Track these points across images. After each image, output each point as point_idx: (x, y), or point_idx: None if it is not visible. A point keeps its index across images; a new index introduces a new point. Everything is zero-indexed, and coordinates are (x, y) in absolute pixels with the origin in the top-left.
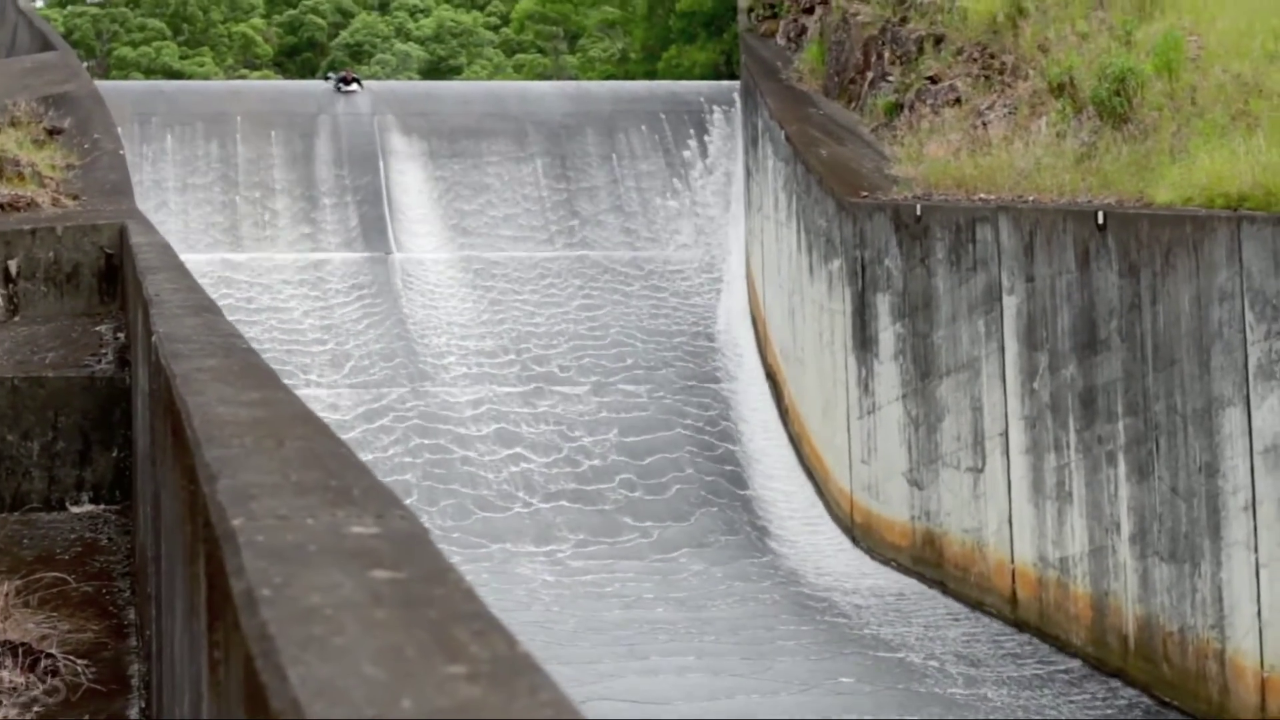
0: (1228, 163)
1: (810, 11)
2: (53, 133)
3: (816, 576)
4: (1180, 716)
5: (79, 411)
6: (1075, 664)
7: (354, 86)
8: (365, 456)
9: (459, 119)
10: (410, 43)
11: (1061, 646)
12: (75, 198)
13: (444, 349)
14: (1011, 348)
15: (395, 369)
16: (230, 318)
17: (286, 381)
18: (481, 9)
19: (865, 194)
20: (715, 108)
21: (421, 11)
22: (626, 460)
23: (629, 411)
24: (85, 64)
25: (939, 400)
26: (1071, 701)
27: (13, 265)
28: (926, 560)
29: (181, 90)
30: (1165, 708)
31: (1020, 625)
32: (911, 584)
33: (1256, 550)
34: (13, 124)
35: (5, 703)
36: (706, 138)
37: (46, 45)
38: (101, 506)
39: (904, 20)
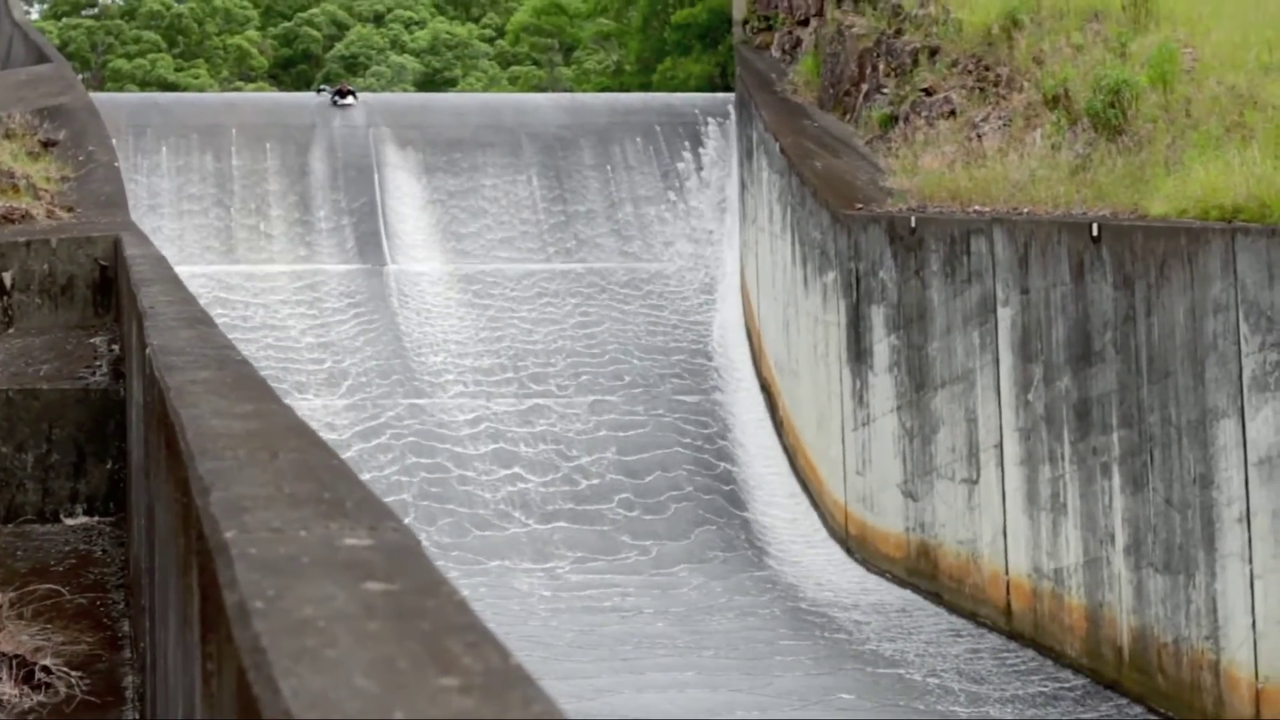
0: (1222, 175)
1: (805, 24)
2: (47, 145)
3: (811, 588)
4: None
5: (73, 424)
6: (1082, 680)
7: (350, 100)
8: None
9: (454, 131)
10: (405, 55)
11: (1056, 658)
12: (70, 210)
13: (439, 364)
14: (1006, 359)
15: (390, 381)
16: (224, 330)
17: (279, 393)
18: (476, 21)
19: (860, 206)
20: (710, 120)
21: (417, 24)
22: (621, 478)
23: (625, 430)
24: (80, 76)
25: (934, 412)
26: None
27: (7, 277)
28: (921, 572)
29: (176, 102)
30: (1159, 718)
31: (1015, 637)
32: (906, 595)
33: (1251, 562)
34: (7, 136)
35: (0, 714)
36: (701, 150)
37: (41, 57)
38: (96, 519)
39: (899, 32)
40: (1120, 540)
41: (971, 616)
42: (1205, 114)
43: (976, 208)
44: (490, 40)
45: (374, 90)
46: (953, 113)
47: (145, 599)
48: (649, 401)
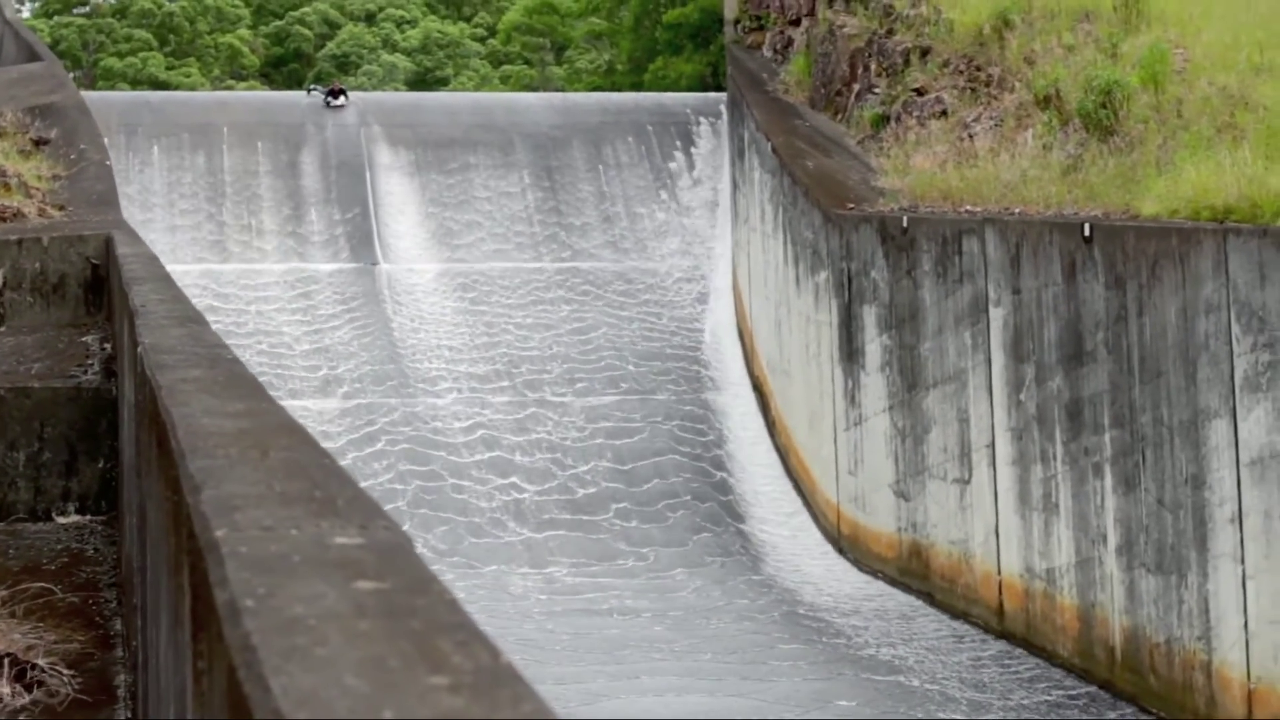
0: (1214, 175)
1: (797, 24)
2: (39, 143)
3: (802, 588)
4: None
5: (65, 422)
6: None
7: (342, 100)
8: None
9: (446, 130)
10: (397, 54)
11: (1048, 658)
12: (61, 208)
13: (430, 361)
14: (998, 359)
15: (382, 379)
16: (215, 329)
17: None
18: (468, 20)
19: (852, 206)
20: (702, 119)
21: (408, 23)
22: (614, 477)
23: (618, 437)
24: (71, 74)
25: (925, 412)
26: None
27: None
28: (913, 572)
29: (168, 101)
30: (1151, 718)
31: (1007, 636)
32: (898, 595)
33: (1243, 562)
34: None
35: None
36: (693, 149)
37: (33, 56)
38: (88, 517)
39: (890, 32)
40: (1112, 540)
41: (963, 616)
42: (1196, 114)
43: (968, 208)
44: (482, 39)
45: (365, 89)
46: (944, 113)
47: (137, 597)
48: (640, 402)
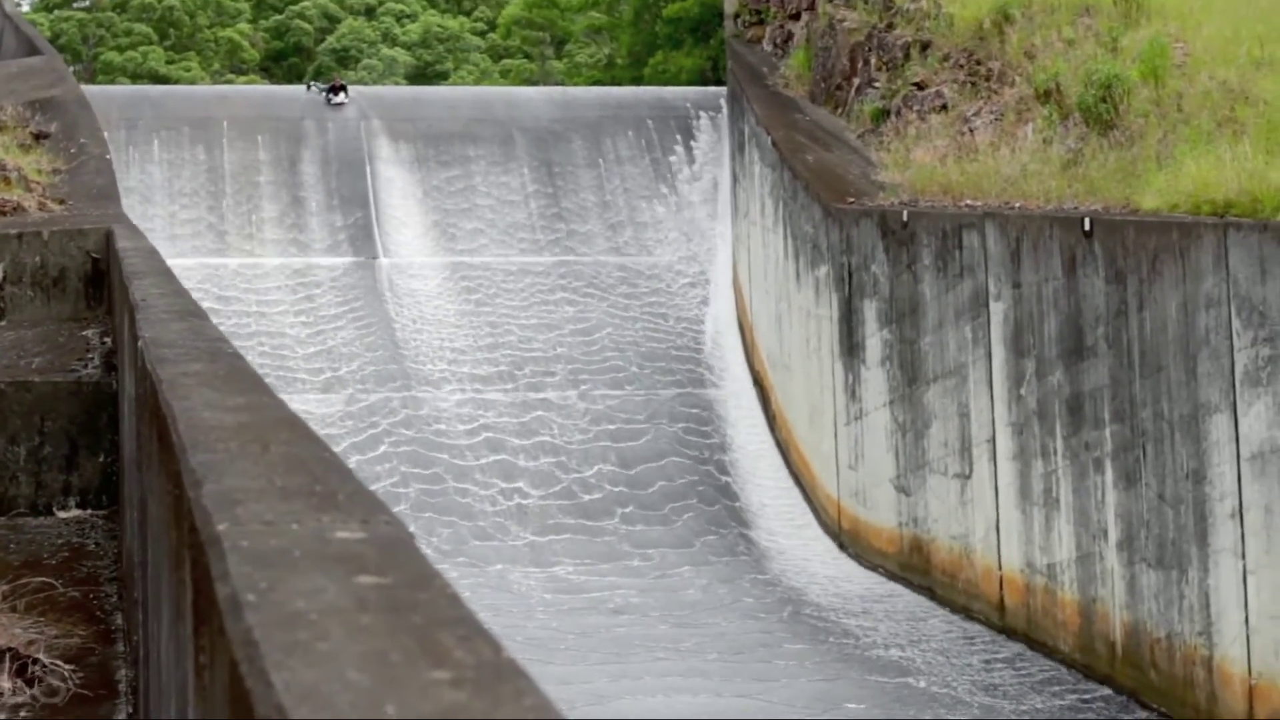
0: (1214, 169)
1: (797, 17)
2: (39, 137)
3: (802, 582)
4: None
5: (65, 416)
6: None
7: (342, 96)
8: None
9: (446, 124)
10: (397, 48)
11: (1049, 653)
12: (61, 202)
13: (431, 354)
14: (998, 354)
15: (381, 371)
16: (215, 322)
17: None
18: (468, 14)
19: (852, 200)
20: (702, 113)
21: (408, 17)
22: (614, 471)
23: (620, 440)
24: (71, 68)
25: (926, 406)
26: None
27: None
28: (914, 566)
29: (168, 95)
30: (1152, 714)
31: (1008, 632)
32: (899, 590)
33: (1244, 557)
34: None
35: None
36: (693, 143)
37: (33, 50)
38: (88, 511)
39: (890, 26)
40: (1113, 535)
41: (964, 611)
42: (1197, 109)
43: (968, 202)
44: (482, 34)
45: (365, 83)
46: (944, 107)
47: (138, 592)
48: (640, 396)
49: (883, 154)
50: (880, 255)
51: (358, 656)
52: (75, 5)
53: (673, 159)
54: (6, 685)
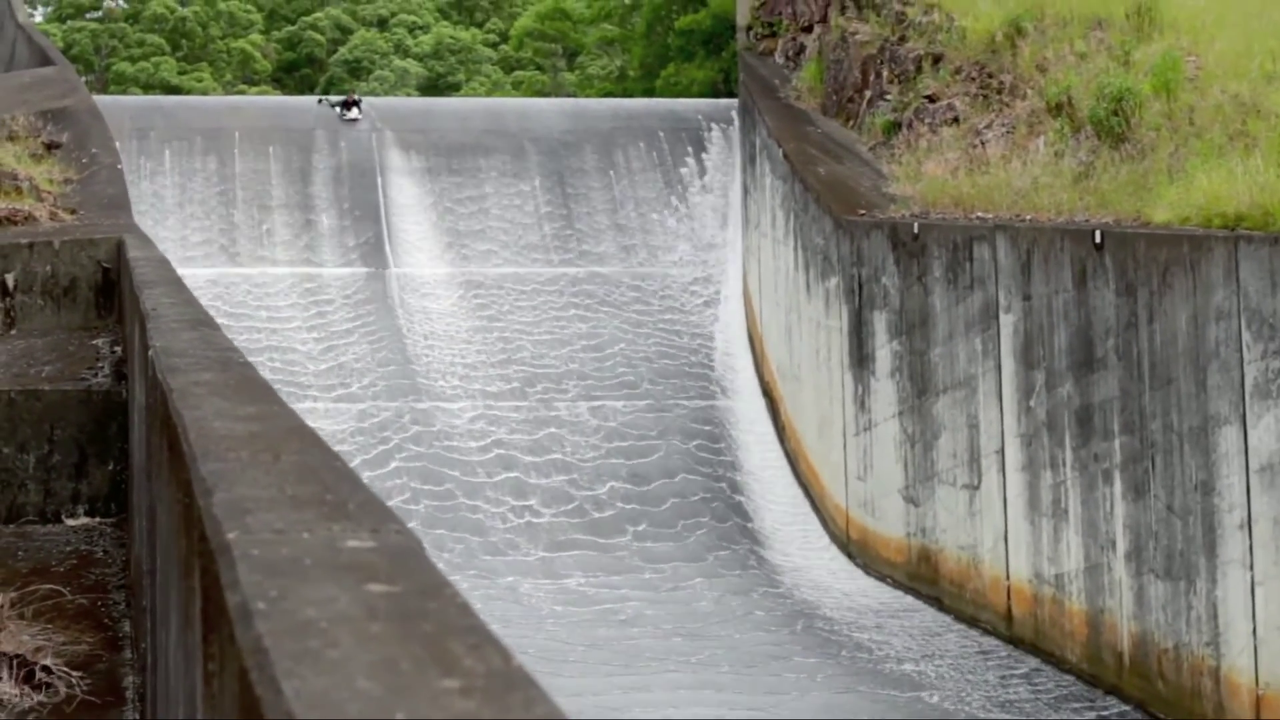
0: (1225, 183)
1: (809, 30)
2: (51, 147)
3: (810, 593)
4: None
5: (75, 425)
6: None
7: (355, 112)
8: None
9: (457, 136)
10: (409, 59)
11: (1057, 663)
12: (73, 212)
13: (441, 365)
14: (1008, 366)
15: (391, 382)
16: (226, 333)
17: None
18: (480, 26)
19: (863, 212)
20: (713, 126)
21: (420, 28)
22: (620, 470)
23: (630, 453)
24: (84, 79)
25: (935, 417)
26: None
27: (10, 279)
28: (922, 576)
29: (180, 105)
30: None
31: (1015, 642)
32: (907, 600)
33: (1252, 568)
34: (11, 138)
35: (1, 714)
36: (704, 155)
37: (45, 60)
38: (97, 519)
39: (902, 39)
40: (1121, 546)
41: (972, 621)
42: (1208, 122)
43: (979, 214)
44: (494, 45)
45: (377, 95)
46: (956, 119)
47: (146, 600)
48: (651, 407)
49: (894, 166)
50: (891, 267)
51: (368, 665)
52: (88, 16)
53: (684, 171)
54: (14, 691)
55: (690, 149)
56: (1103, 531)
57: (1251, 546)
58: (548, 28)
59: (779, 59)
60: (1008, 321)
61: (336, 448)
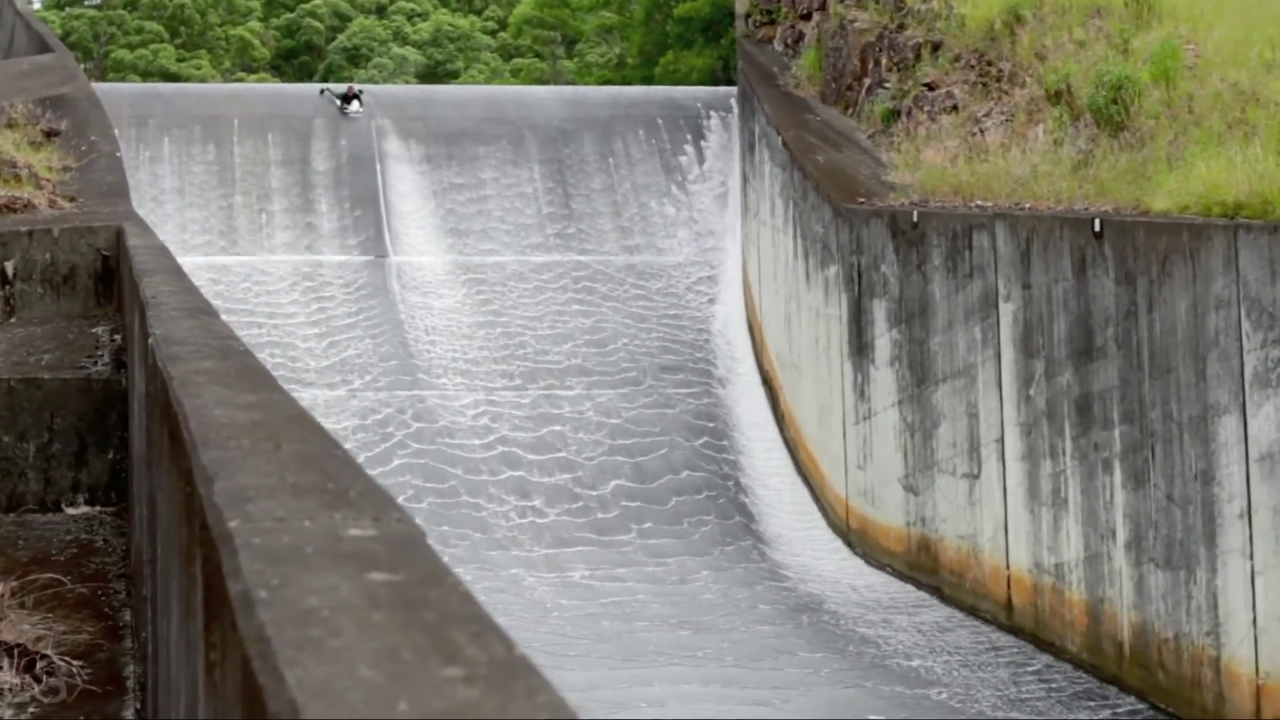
0: (1224, 171)
1: (808, 18)
2: (50, 134)
3: (811, 582)
4: None
5: (75, 413)
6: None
7: (356, 105)
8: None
9: (456, 123)
10: (407, 47)
11: (1057, 653)
12: (72, 199)
13: (440, 352)
14: (1008, 354)
15: (390, 371)
16: (225, 320)
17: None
18: (479, 13)
19: (862, 200)
20: (712, 113)
21: (419, 15)
22: (619, 463)
23: (627, 438)
24: (82, 66)
25: (935, 406)
26: None
27: (9, 267)
28: (922, 566)
29: (179, 93)
30: (1161, 714)
31: (1015, 631)
32: (907, 590)
33: (1252, 558)
34: (10, 126)
35: (1, 703)
36: (703, 143)
37: (44, 47)
38: (97, 508)
39: (901, 27)
40: (1121, 536)
41: (972, 611)
42: (1208, 110)
43: (979, 203)
44: (492, 33)
45: (376, 82)
46: (955, 107)
47: (147, 589)
48: (649, 394)
49: (893, 154)
50: (890, 255)
51: (370, 653)
52: (86, 3)
53: (683, 159)
54: (15, 681)
55: (689, 137)
56: (1102, 521)
57: (1251, 536)
58: (546, 15)
59: (778, 46)
60: (1007, 310)
61: (333, 420)
